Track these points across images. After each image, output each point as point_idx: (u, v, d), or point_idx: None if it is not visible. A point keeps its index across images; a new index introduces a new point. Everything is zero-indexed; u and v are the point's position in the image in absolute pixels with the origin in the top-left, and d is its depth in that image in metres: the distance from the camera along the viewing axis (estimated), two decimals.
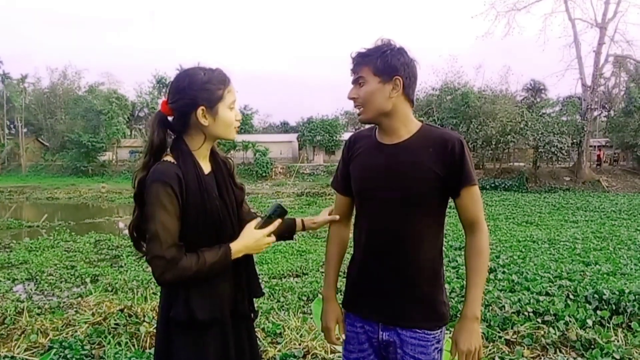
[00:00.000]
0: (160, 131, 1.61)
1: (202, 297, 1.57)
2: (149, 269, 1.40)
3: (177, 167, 1.54)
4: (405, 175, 1.64)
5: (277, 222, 1.71)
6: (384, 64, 1.61)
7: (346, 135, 40.52)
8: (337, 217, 1.89)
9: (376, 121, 1.70)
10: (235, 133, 1.66)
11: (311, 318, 4.27)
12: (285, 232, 1.92)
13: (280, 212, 1.73)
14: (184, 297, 1.56)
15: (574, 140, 29.31)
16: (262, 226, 1.68)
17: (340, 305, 1.88)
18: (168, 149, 1.62)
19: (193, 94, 1.56)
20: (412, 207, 1.64)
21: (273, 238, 1.71)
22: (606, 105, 39.89)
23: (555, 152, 28.13)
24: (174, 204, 1.50)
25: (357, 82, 1.67)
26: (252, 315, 1.77)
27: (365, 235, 1.76)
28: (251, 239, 1.65)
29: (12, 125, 52.15)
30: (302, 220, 1.97)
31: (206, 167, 1.66)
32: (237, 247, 1.61)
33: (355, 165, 1.79)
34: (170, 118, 1.63)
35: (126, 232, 13.65)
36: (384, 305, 1.70)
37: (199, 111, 1.57)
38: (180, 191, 1.51)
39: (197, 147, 1.62)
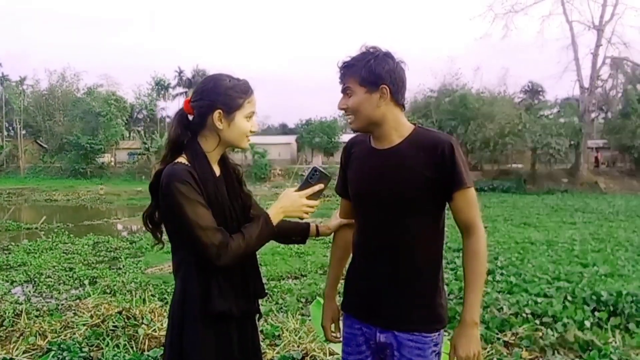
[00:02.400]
0: (178, 127, 1.66)
1: (220, 289, 1.59)
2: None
3: (192, 168, 1.58)
4: (397, 180, 1.65)
5: (319, 187, 1.69)
6: (369, 73, 1.61)
7: (344, 137, 40.72)
8: (351, 220, 1.87)
9: (368, 129, 1.72)
10: (247, 142, 1.70)
11: (310, 320, 4.27)
12: (299, 236, 1.93)
13: (320, 175, 1.68)
14: (203, 289, 1.58)
15: (572, 142, 29.43)
16: (299, 190, 1.68)
17: (339, 305, 1.91)
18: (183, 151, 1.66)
19: (214, 97, 1.62)
20: (405, 211, 1.65)
21: (315, 202, 1.70)
22: (604, 107, 39.99)
23: (553, 154, 28.23)
24: (198, 194, 1.55)
25: (345, 92, 1.68)
26: (258, 315, 1.78)
27: (361, 238, 1.78)
28: (287, 200, 1.67)
29: (10, 127, 52.02)
30: (317, 226, 1.95)
31: (216, 171, 1.69)
32: (275, 211, 1.65)
33: (351, 170, 1.81)
34: (190, 117, 1.67)
35: (124, 233, 13.65)
36: (380, 308, 1.71)
37: (216, 114, 1.61)
38: (198, 187, 1.56)
39: (209, 149, 1.65)
